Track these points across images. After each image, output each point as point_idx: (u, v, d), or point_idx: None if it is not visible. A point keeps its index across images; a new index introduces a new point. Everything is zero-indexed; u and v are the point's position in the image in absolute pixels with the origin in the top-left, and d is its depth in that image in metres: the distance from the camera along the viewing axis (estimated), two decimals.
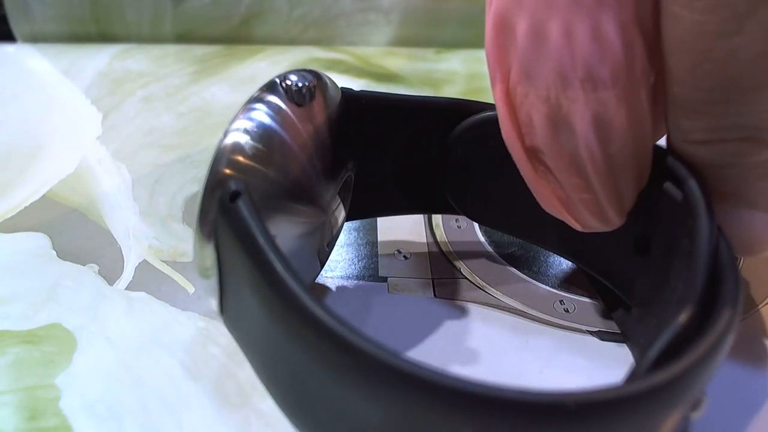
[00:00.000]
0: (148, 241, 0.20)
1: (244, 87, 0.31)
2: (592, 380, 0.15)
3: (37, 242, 0.20)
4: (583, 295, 0.18)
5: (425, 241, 0.20)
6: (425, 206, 0.20)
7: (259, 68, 0.33)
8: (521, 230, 0.19)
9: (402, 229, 0.21)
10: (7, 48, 0.35)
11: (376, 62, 0.34)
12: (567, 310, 0.18)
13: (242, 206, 0.13)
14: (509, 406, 0.10)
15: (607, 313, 0.18)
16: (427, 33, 0.36)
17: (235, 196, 0.13)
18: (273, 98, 0.14)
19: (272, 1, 0.36)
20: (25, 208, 0.22)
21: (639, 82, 0.13)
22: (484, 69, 0.36)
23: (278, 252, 0.12)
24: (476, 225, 0.21)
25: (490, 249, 0.20)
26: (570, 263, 0.19)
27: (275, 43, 0.36)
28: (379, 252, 0.20)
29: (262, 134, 0.14)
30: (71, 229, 0.21)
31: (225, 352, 0.16)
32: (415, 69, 0.33)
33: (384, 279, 0.19)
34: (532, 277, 0.19)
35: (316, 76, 0.15)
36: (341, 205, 0.17)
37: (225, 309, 0.14)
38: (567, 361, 0.16)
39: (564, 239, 0.18)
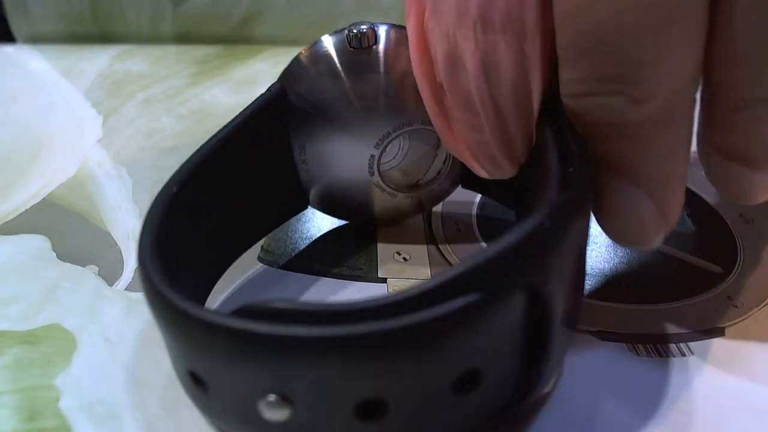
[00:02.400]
0: None
1: (244, 88, 0.31)
2: (590, 379, 0.15)
3: (37, 244, 0.20)
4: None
5: (425, 243, 0.20)
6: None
7: (259, 69, 0.33)
8: None
9: (402, 231, 0.21)
10: (7, 48, 0.35)
11: None
12: None
13: (264, 95, 0.17)
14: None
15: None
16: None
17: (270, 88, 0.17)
18: (334, 39, 0.17)
19: (272, 1, 0.36)
20: (26, 210, 0.22)
21: (532, 33, 0.13)
22: None
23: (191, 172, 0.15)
24: (475, 227, 0.21)
25: None
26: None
27: (275, 44, 0.36)
28: (378, 254, 0.20)
29: (312, 56, 0.17)
30: (71, 232, 0.21)
31: None
32: None
33: (384, 280, 0.19)
34: None
35: (389, 28, 0.18)
36: (411, 154, 0.18)
37: None
38: (566, 361, 0.16)
39: None
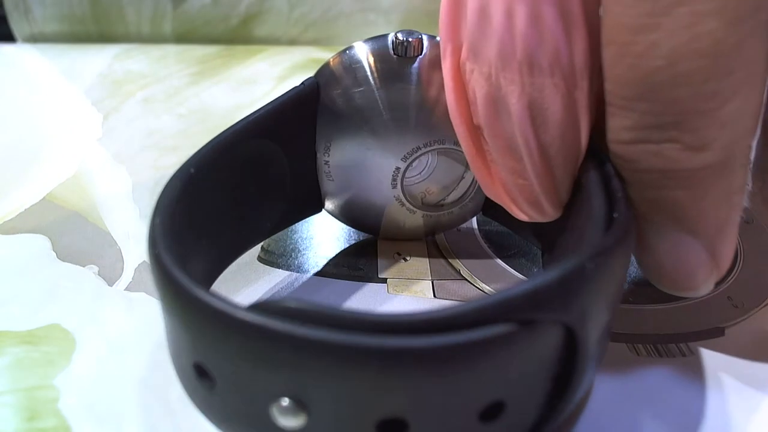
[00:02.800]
0: None
1: (243, 88, 0.31)
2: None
3: (37, 244, 0.20)
4: None
5: (425, 243, 0.20)
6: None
7: (258, 69, 0.33)
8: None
9: None
10: (7, 48, 0.35)
11: None
12: None
13: (297, 88, 0.17)
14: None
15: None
16: (427, 33, 0.36)
17: (303, 82, 0.17)
18: (379, 42, 0.17)
19: (272, 1, 0.36)
20: (26, 210, 0.22)
21: (580, 75, 0.13)
22: None
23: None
24: (476, 227, 0.21)
25: (489, 251, 0.20)
26: None
27: (275, 44, 0.36)
28: (378, 254, 0.20)
29: (349, 59, 0.17)
30: (71, 231, 0.21)
31: None
32: None
33: (384, 280, 0.19)
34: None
35: (431, 40, 0.17)
36: (438, 172, 0.18)
37: None
38: None
39: None
